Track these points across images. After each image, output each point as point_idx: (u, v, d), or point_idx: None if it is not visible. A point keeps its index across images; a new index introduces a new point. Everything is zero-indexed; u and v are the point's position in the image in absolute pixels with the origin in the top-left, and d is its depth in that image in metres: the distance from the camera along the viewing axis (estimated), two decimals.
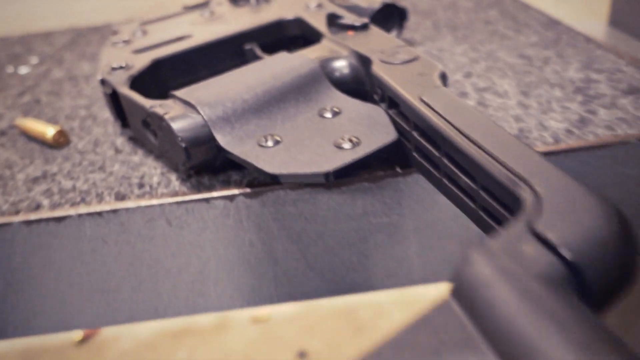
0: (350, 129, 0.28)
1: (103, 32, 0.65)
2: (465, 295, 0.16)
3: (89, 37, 0.64)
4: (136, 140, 0.38)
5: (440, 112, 0.25)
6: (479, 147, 0.22)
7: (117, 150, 0.37)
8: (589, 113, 0.35)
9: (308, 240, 0.32)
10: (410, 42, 0.50)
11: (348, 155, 0.26)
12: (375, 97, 0.31)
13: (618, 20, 0.64)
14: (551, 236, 0.16)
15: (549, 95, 0.38)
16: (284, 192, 0.31)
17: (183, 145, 0.29)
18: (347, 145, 0.27)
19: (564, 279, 0.16)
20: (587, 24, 0.59)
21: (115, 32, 0.46)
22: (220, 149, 0.29)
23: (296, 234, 0.32)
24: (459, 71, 0.43)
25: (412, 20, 0.56)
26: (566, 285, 0.15)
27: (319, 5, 0.45)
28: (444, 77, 0.29)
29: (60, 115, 0.44)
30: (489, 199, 0.21)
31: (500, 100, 0.38)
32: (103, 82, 0.36)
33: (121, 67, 0.37)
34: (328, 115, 0.30)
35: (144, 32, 0.45)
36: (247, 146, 0.29)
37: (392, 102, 0.29)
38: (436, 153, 0.25)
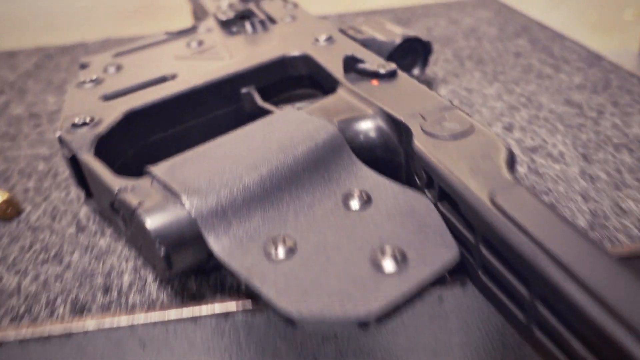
0: (389, 234, 0.21)
1: (74, 54, 0.57)
2: None
3: (58, 60, 0.56)
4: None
5: (530, 231, 0.18)
6: (603, 302, 0.15)
7: (80, 227, 0.29)
8: None
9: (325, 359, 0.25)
10: (432, 80, 0.43)
11: (393, 287, 0.19)
12: (418, 180, 0.24)
13: None
14: None
15: (616, 161, 0.31)
16: None
17: (162, 251, 0.21)
18: (389, 265, 0.19)
19: None
20: (621, 54, 0.53)
21: (83, 66, 0.38)
22: (211, 255, 0.22)
23: (311, 354, 0.25)
24: (497, 122, 0.36)
25: None
26: None
27: (330, 39, 0.37)
28: (512, 162, 0.22)
29: (14, 169, 0.36)
30: None
31: (557, 167, 0.31)
32: (61, 141, 0.29)
33: (85, 124, 0.29)
34: (355, 205, 0.23)
35: (118, 68, 0.37)
36: (250, 255, 0.21)
37: (444, 194, 0.22)
38: (522, 290, 0.18)
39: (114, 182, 0.24)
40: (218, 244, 0.21)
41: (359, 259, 0.20)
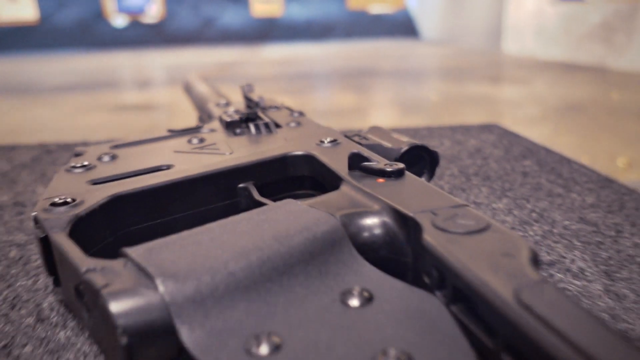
0: (393, 336, 0.18)
1: (74, 151, 0.56)
2: None
3: (56, 155, 0.55)
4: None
5: (566, 332, 0.15)
6: None
7: (39, 319, 0.26)
8: None
9: None
10: None
11: None
12: (427, 280, 0.21)
13: None
14: None
15: None
16: None
17: (124, 340, 0.18)
18: None
19: None
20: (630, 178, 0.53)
21: (77, 154, 0.37)
22: (183, 350, 0.18)
23: None
24: None
25: None
26: None
27: (334, 142, 0.36)
28: (536, 261, 0.19)
29: None
30: None
31: (578, 283, 0.28)
32: (36, 221, 0.26)
33: (66, 203, 0.27)
34: (355, 302, 0.20)
35: (113, 157, 0.36)
36: (228, 351, 0.18)
37: (458, 294, 0.19)
38: None
39: (83, 261, 0.21)
40: (192, 337, 0.18)
41: (359, 356, 0.17)
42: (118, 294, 0.18)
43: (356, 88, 3.80)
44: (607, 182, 0.43)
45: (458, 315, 0.19)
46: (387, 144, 0.38)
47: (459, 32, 7.46)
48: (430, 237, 0.21)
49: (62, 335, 0.24)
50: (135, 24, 7.96)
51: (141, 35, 8.19)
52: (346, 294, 0.20)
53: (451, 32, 7.74)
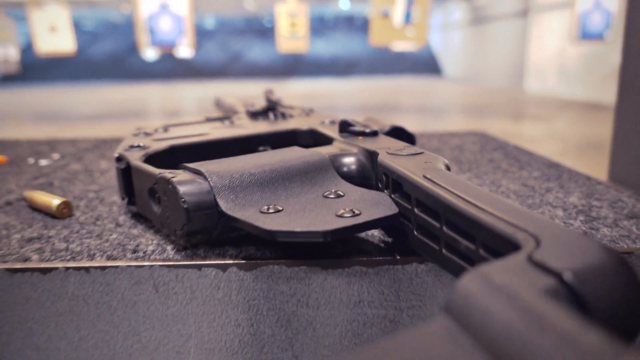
0: (352, 205, 0.29)
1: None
2: (460, 309, 0.15)
3: (112, 144, 0.67)
4: (139, 218, 0.38)
5: (443, 185, 0.25)
6: (478, 207, 0.22)
7: (118, 224, 0.37)
8: (592, 230, 0.35)
9: (298, 325, 0.31)
10: None
11: (347, 220, 0.26)
12: (380, 185, 0.32)
13: (618, 177, 0.67)
14: (549, 262, 0.16)
15: (551, 213, 0.38)
16: (279, 267, 0.30)
17: (185, 206, 0.29)
18: (347, 214, 0.27)
19: (561, 295, 0.15)
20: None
21: (138, 128, 0.49)
22: (221, 215, 0.29)
23: (286, 318, 0.30)
24: None
25: None
26: (564, 301, 0.14)
27: (332, 122, 0.47)
28: (448, 168, 0.30)
29: (69, 195, 0.45)
30: (489, 257, 0.21)
31: None
32: (118, 158, 0.38)
33: (139, 146, 0.39)
34: (332, 196, 0.31)
35: (166, 130, 0.47)
36: (248, 212, 0.29)
37: (395, 185, 0.30)
38: (436, 224, 0.25)
39: (157, 171, 0.33)
40: (226, 205, 0.29)
41: (327, 212, 0.27)
42: (182, 182, 0.30)
43: None
44: (555, 165, 0.53)
45: (395, 199, 0.29)
46: (374, 126, 0.49)
47: (482, 71, 7.59)
48: (382, 157, 0.32)
49: (135, 231, 0.36)
50: (165, 58, 8.31)
51: (171, 69, 8.53)
52: (326, 193, 0.31)
53: (474, 70, 7.88)
